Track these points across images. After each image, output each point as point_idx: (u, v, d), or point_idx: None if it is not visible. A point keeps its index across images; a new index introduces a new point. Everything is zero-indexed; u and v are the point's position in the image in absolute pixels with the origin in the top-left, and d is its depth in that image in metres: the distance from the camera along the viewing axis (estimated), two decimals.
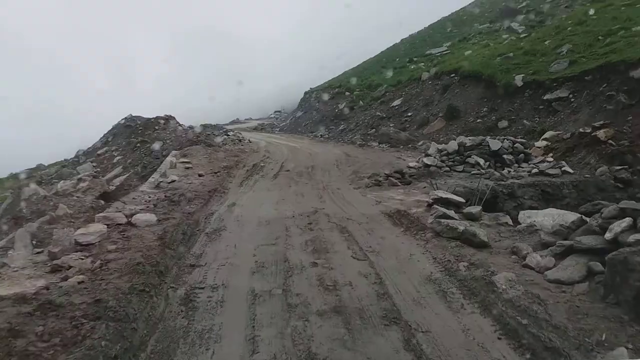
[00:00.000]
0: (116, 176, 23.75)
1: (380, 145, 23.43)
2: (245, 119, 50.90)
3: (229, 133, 23.57)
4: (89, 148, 32.68)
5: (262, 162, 16.61)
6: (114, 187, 19.56)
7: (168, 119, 30.06)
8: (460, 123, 23.27)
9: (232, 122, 47.28)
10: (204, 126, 25.74)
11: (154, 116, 31.28)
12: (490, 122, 21.90)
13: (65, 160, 33.74)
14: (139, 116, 31.30)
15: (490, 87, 23.32)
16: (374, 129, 27.61)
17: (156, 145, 23.60)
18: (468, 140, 15.29)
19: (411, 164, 15.77)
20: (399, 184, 11.81)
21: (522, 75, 22.18)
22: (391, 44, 49.59)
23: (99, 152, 30.95)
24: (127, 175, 22.86)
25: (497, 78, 23.10)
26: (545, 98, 20.68)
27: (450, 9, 51.13)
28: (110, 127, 33.60)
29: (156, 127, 29.04)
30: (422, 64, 34.88)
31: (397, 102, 28.60)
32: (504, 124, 21.31)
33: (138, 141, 28.07)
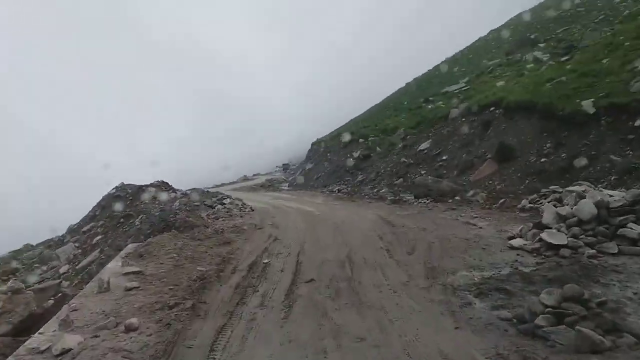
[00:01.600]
0: (91, 263, 16.56)
1: (420, 200, 16.09)
2: (254, 175, 43.82)
3: (224, 201, 16.23)
4: (74, 224, 25.45)
5: (266, 253, 9.12)
6: (52, 302, 12.15)
7: (160, 186, 22.96)
8: (518, 165, 15.98)
9: (240, 180, 40.22)
10: (192, 192, 18.46)
11: (148, 183, 24.41)
12: (560, 160, 14.66)
13: (57, 237, 26.41)
14: (130, 184, 24.32)
15: (549, 118, 16.14)
16: (401, 178, 20.38)
17: (136, 222, 16.54)
18: (612, 199, 7.91)
19: (515, 243, 8.35)
20: (606, 341, 4.21)
21: (592, 99, 15.11)
22: (395, 89, 43.05)
23: (84, 228, 23.88)
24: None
25: (557, 106, 16.02)
26: (636, 125, 13.69)
27: (452, 50, 44.77)
28: (100, 198, 26.65)
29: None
30: (441, 102, 27.94)
31: (424, 145, 21.39)
32: (582, 162, 14.05)
33: (122, 215, 21.00)
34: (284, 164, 45.35)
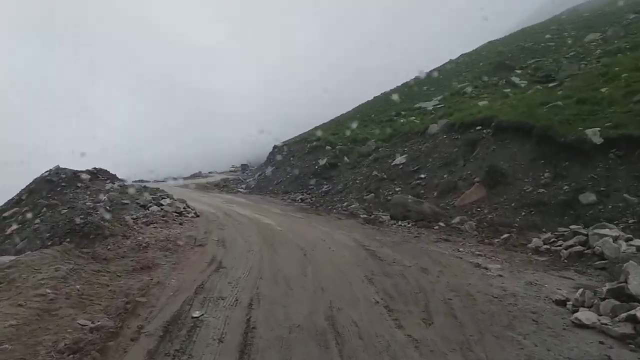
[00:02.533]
0: None
1: (398, 222, 12.91)
2: (209, 172, 39.66)
3: (163, 201, 12.38)
4: None
5: (201, 296, 5.51)
6: None
7: (96, 173, 18.85)
8: (511, 192, 13.13)
9: (194, 176, 36.01)
10: (123, 188, 14.56)
11: (83, 169, 20.19)
12: (562, 193, 11.89)
13: None
14: (66, 169, 20.00)
15: (547, 144, 13.40)
16: (372, 194, 17.19)
17: None
18: None
19: (583, 317, 5.12)
20: None
21: (598, 128, 12.54)
22: (364, 101, 40.18)
23: (5, 214, 19.41)
24: None
25: (558, 132, 13.31)
26: None
27: (419, 70, 42.32)
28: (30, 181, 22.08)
29: (78, 185, 17.81)
30: (414, 117, 25.15)
31: (400, 160, 18.32)
32: (589, 197, 11.34)
33: (45, 204, 16.80)
34: (242, 165, 41.39)
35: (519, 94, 20.54)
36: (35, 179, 21.54)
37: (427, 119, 22.47)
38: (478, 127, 16.44)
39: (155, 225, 9.57)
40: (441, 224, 12.67)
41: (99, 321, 4.46)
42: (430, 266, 7.51)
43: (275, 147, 31.88)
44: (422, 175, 16.51)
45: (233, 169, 41.56)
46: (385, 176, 17.85)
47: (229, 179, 30.76)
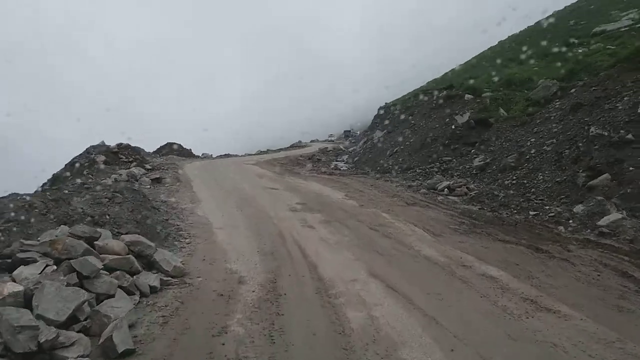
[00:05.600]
0: None
1: None
2: (311, 141, 31.29)
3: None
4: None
5: None
6: None
7: (117, 152, 10.86)
8: None
9: (292, 146, 27.78)
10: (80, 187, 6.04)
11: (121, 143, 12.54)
12: None
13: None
14: (107, 147, 12.56)
15: None
16: (605, 174, 7.06)
17: None
18: None
19: None
20: None
21: None
22: (494, 43, 28.05)
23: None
24: None
25: None
26: None
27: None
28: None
29: (91, 168, 9.87)
30: (600, 43, 13.87)
31: None
32: None
33: (25, 203, 9.03)
34: (345, 131, 32.20)
35: None
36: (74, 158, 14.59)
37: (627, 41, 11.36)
38: None
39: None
40: None
41: None
42: None
43: (380, 108, 22.11)
44: None
45: (330, 138, 32.60)
46: (630, 136, 7.46)
47: (328, 149, 21.72)
